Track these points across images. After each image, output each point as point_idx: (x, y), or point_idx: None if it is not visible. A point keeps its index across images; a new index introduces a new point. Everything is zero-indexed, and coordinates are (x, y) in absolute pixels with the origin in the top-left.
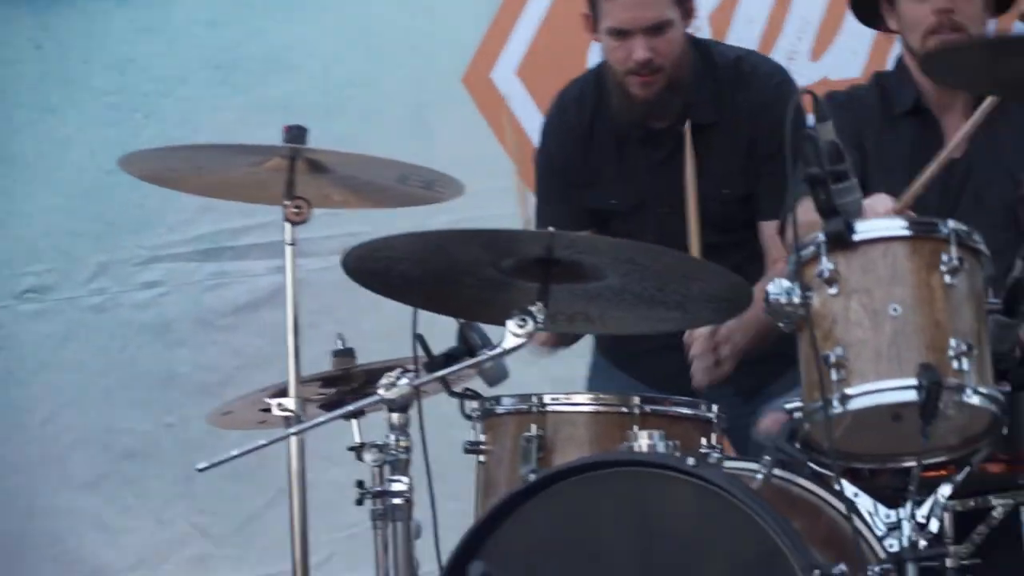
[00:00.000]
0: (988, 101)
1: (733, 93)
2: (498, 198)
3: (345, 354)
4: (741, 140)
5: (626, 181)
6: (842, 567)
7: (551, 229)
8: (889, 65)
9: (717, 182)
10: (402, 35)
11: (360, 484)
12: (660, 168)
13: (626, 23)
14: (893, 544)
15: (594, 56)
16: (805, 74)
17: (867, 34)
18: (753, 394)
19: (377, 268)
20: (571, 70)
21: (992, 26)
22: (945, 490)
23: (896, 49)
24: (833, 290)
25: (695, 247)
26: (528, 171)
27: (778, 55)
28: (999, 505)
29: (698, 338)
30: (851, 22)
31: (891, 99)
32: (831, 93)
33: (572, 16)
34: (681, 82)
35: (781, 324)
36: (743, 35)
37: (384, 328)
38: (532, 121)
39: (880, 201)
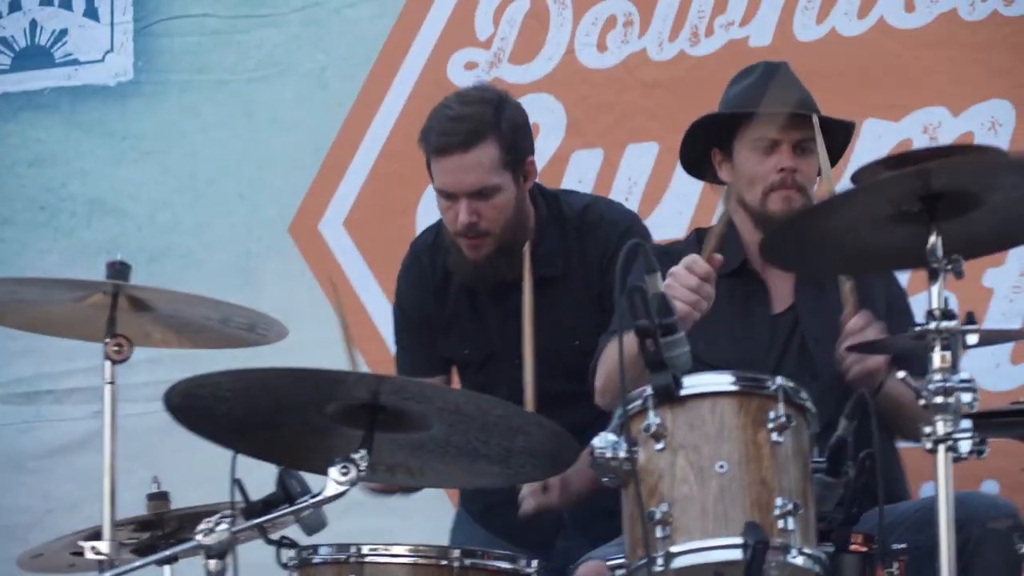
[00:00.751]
0: None
1: (580, 243)
2: (324, 349)
3: (159, 497)
4: (590, 290)
5: (478, 331)
6: None
7: (378, 372)
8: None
9: (567, 334)
10: (230, 182)
11: None
12: (511, 319)
13: (449, 186)
14: None
15: (423, 208)
16: None
17: (692, 195)
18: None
19: (200, 407)
20: (398, 222)
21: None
22: None
23: (720, 209)
24: (659, 445)
25: (529, 400)
26: (355, 328)
27: None
28: None
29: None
30: (677, 183)
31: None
32: (652, 247)
33: (399, 168)
34: (513, 244)
35: (606, 479)
36: None
37: (199, 475)
38: (358, 272)
39: (686, 257)
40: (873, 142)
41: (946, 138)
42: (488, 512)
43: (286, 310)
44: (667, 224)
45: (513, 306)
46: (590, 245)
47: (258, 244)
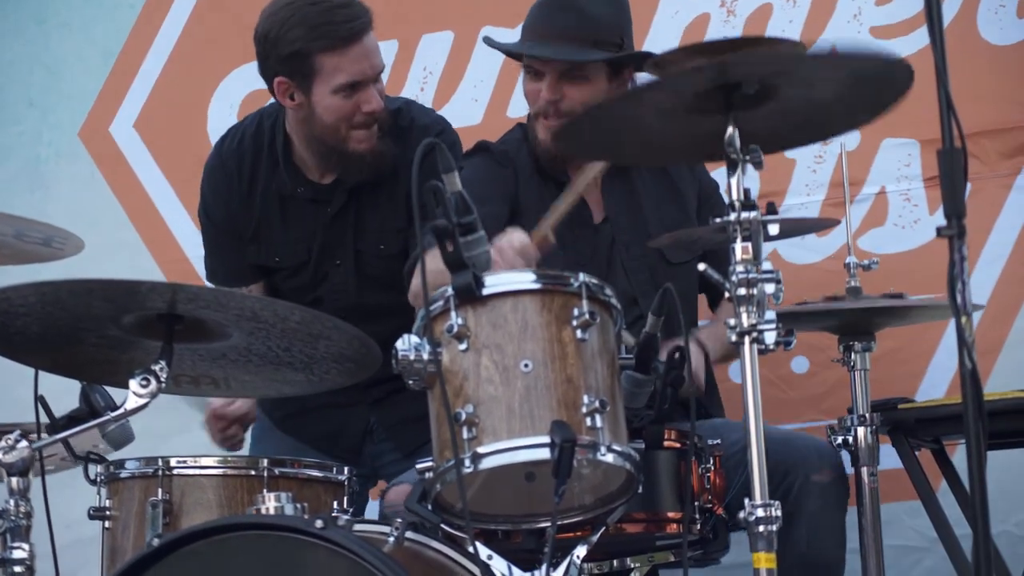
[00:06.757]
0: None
1: (394, 147)
2: (118, 252)
3: None
4: (401, 195)
5: (291, 239)
6: None
7: (174, 282)
8: (510, 112)
9: (375, 237)
10: (20, 89)
11: None
12: (332, 223)
13: (365, 71)
14: None
15: (215, 107)
16: None
17: (488, 82)
18: (414, 451)
19: None
20: (189, 122)
21: None
22: (580, 551)
23: (516, 97)
24: (463, 345)
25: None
26: (147, 230)
27: None
28: (636, 566)
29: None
30: (472, 72)
31: (536, 155)
32: (485, 145)
33: (189, 68)
34: (384, 127)
35: (411, 382)
36: None
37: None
38: (149, 173)
39: (516, 234)
40: (670, 19)
41: (744, 10)
42: (290, 420)
43: (76, 214)
44: (463, 112)
45: (332, 210)
46: (400, 150)
47: (48, 149)
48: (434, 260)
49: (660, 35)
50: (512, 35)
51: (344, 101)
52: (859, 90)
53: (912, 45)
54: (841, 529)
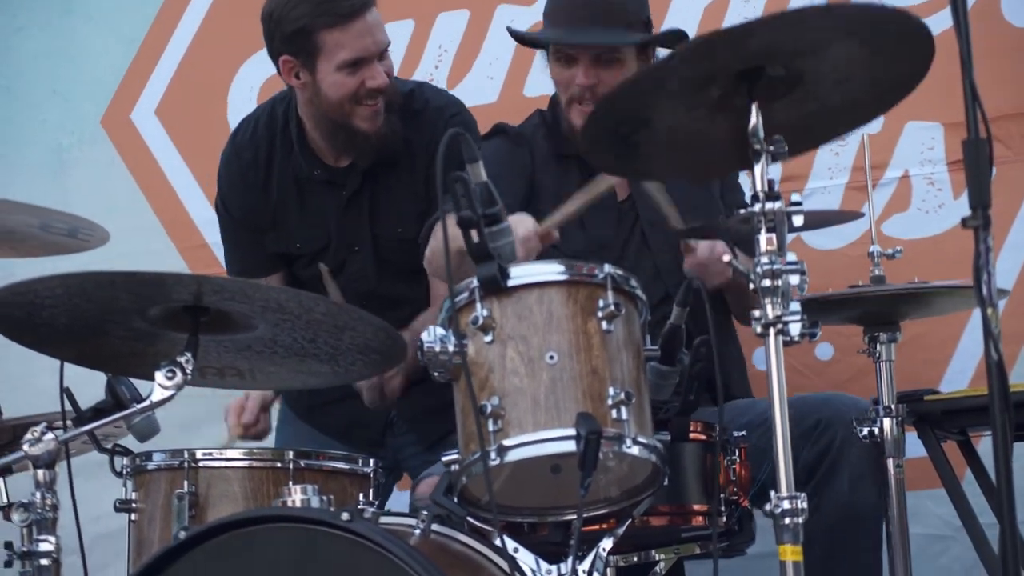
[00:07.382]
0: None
1: (407, 129)
2: (138, 238)
3: None
4: (417, 178)
5: (309, 224)
6: None
7: (199, 274)
8: (525, 91)
9: (392, 221)
10: (44, 79)
11: (8, 545)
12: (347, 207)
13: (368, 48)
14: None
15: (235, 94)
16: None
17: (504, 61)
18: (435, 443)
19: (20, 316)
20: (210, 109)
21: None
22: (606, 544)
23: (532, 76)
24: (488, 337)
25: None
26: (168, 214)
27: None
28: (662, 559)
29: None
30: (488, 50)
31: (557, 139)
32: (503, 128)
33: (210, 55)
34: (392, 106)
35: (436, 374)
36: None
37: (25, 383)
38: (170, 160)
39: (522, 223)
40: (688, 3)
41: None
42: (314, 411)
43: (99, 201)
44: (479, 90)
45: (347, 194)
46: (415, 132)
47: (71, 138)
48: (452, 227)
49: (678, 19)
50: (528, 16)
51: (348, 78)
52: (881, 66)
53: (935, 27)
54: (882, 478)
